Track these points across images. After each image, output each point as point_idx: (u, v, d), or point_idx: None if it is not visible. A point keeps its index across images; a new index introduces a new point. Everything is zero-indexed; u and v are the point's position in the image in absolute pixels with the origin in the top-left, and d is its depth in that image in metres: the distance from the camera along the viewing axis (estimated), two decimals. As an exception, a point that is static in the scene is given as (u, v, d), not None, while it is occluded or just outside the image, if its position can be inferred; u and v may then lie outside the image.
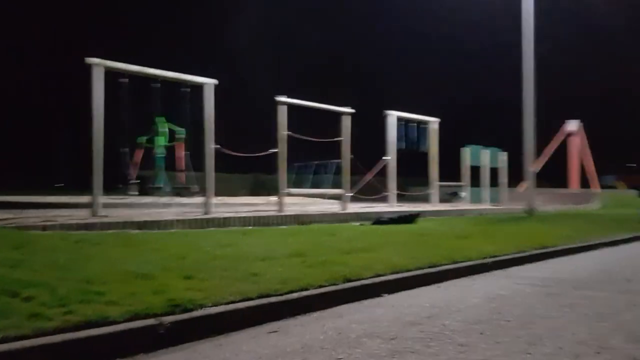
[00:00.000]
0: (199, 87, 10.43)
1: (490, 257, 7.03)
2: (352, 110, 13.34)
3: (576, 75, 51.50)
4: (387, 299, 4.95)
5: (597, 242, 9.77)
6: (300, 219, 10.60)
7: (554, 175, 37.87)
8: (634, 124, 52.17)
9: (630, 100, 51.37)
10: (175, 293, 3.89)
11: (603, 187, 41.03)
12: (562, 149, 35.21)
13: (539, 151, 32.72)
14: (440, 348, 3.41)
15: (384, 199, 16.55)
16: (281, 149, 11.56)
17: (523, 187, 20.52)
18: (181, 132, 16.38)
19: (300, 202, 14.65)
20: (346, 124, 13.32)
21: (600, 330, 3.84)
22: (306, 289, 4.55)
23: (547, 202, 22.15)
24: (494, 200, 21.55)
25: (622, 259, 8.18)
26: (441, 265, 6.19)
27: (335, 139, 13.35)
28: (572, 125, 34.24)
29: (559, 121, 35.58)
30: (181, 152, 16.58)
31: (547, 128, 33.97)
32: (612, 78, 51.76)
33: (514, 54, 15.67)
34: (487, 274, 6.48)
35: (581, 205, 24.92)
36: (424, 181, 18.79)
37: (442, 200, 19.33)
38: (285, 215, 10.76)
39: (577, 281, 5.92)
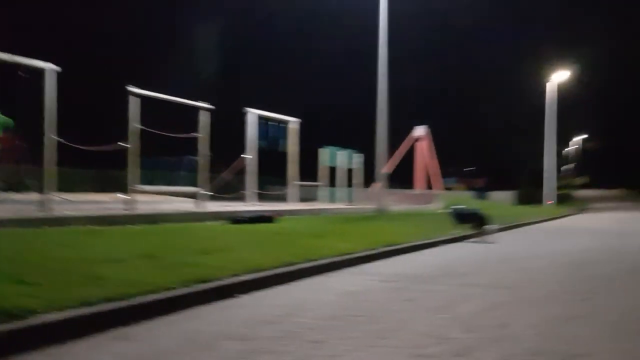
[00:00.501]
0: (40, 73, 9.47)
1: (344, 254, 7.24)
2: (211, 107, 13.03)
3: (427, 82, 55.45)
4: (243, 299, 4.87)
5: (438, 239, 10.53)
6: (153, 218, 10.07)
7: (403, 176, 40.47)
8: (476, 130, 57.58)
9: (473, 109, 56.31)
10: (4, 300, 3.45)
11: (445, 188, 44.70)
12: (411, 152, 37.71)
13: (391, 154, 34.77)
14: (295, 345, 3.41)
15: (242, 198, 16.40)
16: (132, 143, 10.92)
17: (375, 187, 21.58)
18: (8, 122, 14.66)
19: (153, 200, 13.95)
20: (205, 119, 12.98)
21: (441, 321, 4.11)
22: (157, 292, 4.31)
23: (397, 202, 23.52)
24: (349, 199, 22.40)
25: (460, 254, 8.89)
26: (297, 263, 6.24)
27: (193, 134, 12.94)
28: (420, 131, 36.77)
29: (410, 125, 38.02)
30: (14, 144, 14.87)
31: (400, 132, 36.21)
32: (459, 87, 56.53)
33: (372, 60, 16.38)
34: (341, 271, 6.67)
35: (425, 205, 26.85)
36: (284, 181, 18.97)
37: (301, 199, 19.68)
38: (136, 214, 10.16)
39: (420, 276, 6.31)
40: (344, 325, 3.98)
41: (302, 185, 19.58)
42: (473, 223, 12.18)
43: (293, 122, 18.21)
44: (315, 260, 6.62)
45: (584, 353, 3.31)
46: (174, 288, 4.48)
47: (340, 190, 22.07)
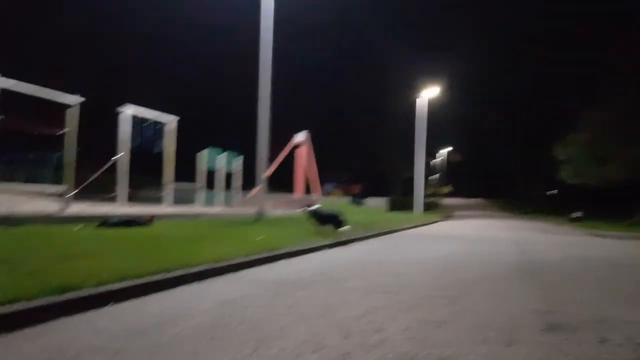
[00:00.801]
0: None
1: (223, 260, 7.08)
2: (81, 99, 12.16)
3: (309, 90, 56.46)
4: (114, 309, 4.56)
5: (318, 244, 10.67)
6: (8, 221, 9.18)
7: (283, 181, 40.76)
8: (355, 138, 59.56)
9: (353, 118, 58.05)
10: None
11: (324, 194, 45.69)
12: (292, 157, 38.07)
13: (272, 158, 34.85)
14: (168, 358, 3.23)
15: (113, 199, 15.51)
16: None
17: (255, 191, 21.50)
18: None
19: (9, 199, 12.72)
20: (73, 114, 12.09)
21: (320, 328, 4.13)
22: (12, 303, 3.88)
23: (277, 207, 23.62)
24: (228, 203, 22.09)
25: (338, 260, 9.06)
26: (174, 270, 5.99)
27: (59, 130, 12.01)
28: (301, 136, 37.25)
29: (292, 130, 38.37)
30: None
31: (281, 136, 36.41)
32: (338, 96, 58.10)
33: (255, 63, 16.23)
34: (220, 277, 6.50)
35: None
36: (160, 182, 18.23)
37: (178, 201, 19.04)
38: (-10, 216, 9.21)
39: (301, 282, 6.33)
40: (221, 334, 3.85)
41: (179, 188, 18.99)
42: (332, 224, 12.75)
43: (171, 121, 17.57)
44: (193, 266, 6.40)
45: (452, 356, 3.48)
46: (35, 298, 4.08)
47: (220, 194, 21.70)
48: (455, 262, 9.31)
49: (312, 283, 6.27)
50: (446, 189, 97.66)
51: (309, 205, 12.98)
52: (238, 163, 22.38)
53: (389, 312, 4.74)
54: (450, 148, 79.77)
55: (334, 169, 64.20)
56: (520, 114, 60.85)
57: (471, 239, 15.96)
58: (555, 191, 66.11)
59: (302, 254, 9.42)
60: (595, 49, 38.88)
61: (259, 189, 17.93)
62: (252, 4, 16.42)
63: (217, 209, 19.72)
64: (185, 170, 22.13)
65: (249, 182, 24.10)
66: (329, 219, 13.01)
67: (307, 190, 39.52)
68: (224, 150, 22.09)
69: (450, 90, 49.33)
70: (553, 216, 46.89)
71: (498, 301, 5.43)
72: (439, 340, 3.87)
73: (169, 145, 17.52)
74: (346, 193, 54.87)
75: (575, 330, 4.28)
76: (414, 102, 41.15)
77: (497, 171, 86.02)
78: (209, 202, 21.24)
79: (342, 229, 12.89)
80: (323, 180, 47.86)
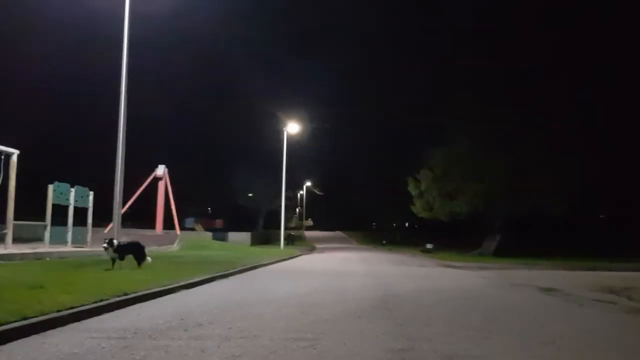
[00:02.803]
0: None
1: (68, 309, 6.44)
2: None
3: (166, 123, 54.99)
4: None
5: (177, 285, 10.17)
6: None
7: (141, 216, 38.91)
8: (218, 172, 58.76)
9: (209, 150, 57.36)
10: None
11: (183, 229, 44.31)
12: (152, 191, 36.54)
13: (129, 192, 33.15)
14: None
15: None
16: None
17: (109, 227, 20.17)
18: None
19: None
20: None
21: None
22: None
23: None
24: (79, 241, 20.47)
25: (198, 302, 8.69)
26: (6, 323, 5.31)
27: None
28: (160, 170, 35.99)
29: (150, 164, 36.97)
30: None
31: (138, 170, 34.88)
32: (198, 129, 57.21)
33: (115, 95, 15.36)
34: (62, 328, 5.89)
35: (164, 247, 26.11)
36: (1, 219, 16.40)
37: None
38: None
39: (154, 330, 5.92)
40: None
41: (21, 226, 17.24)
42: (133, 254, 12.59)
43: (11, 154, 15.93)
44: (31, 317, 5.74)
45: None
46: None
47: (70, 231, 20.02)
48: (316, 299, 9.39)
49: (166, 330, 5.90)
50: (308, 223, 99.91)
51: (107, 239, 12.38)
52: (89, 198, 20.86)
53: (247, 360, 4.59)
54: (309, 183, 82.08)
55: (194, 203, 62.70)
56: (377, 151, 64.54)
57: (331, 274, 16.32)
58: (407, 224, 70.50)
59: (159, 296, 8.92)
60: (444, 89, 42.41)
61: (113, 224, 16.82)
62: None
63: (67, 248, 18.18)
64: (32, 206, 20.20)
65: (103, 217, 22.59)
66: (129, 250, 12.64)
67: (171, 225, 38.09)
68: (73, 185, 20.52)
69: (312, 127, 51.06)
70: (408, 247, 49.88)
71: (356, 341, 5.52)
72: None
73: (11, 179, 15.84)
74: (208, 228, 53.66)
75: (427, 368, 4.45)
76: (276, 137, 41.95)
77: (356, 205, 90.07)
78: (57, 240, 19.51)
79: (145, 262, 12.72)
80: (184, 215, 46.46)
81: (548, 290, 12.09)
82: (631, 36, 34.39)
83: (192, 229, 51.78)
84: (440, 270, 20.77)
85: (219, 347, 5.07)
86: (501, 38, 37.25)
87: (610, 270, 21.91)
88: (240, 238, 46.91)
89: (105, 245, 12.11)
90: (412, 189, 42.37)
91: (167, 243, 28.11)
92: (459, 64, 40.44)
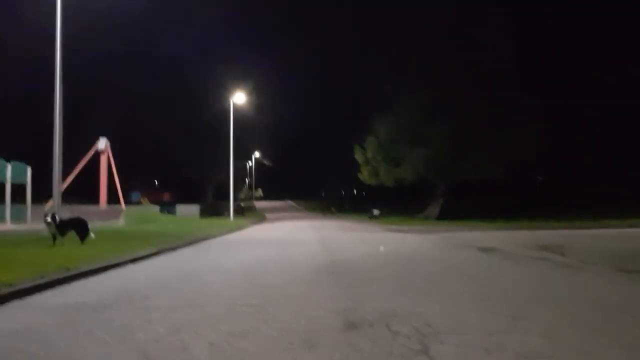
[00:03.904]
0: None
1: (6, 286, 6.29)
2: None
3: (106, 93, 53.12)
4: None
5: (123, 259, 10.05)
6: None
7: (84, 192, 37.77)
8: (163, 143, 57.40)
9: (160, 122, 55.83)
10: None
11: (129, 203, 43.38)
12: (93, 166, 35.48)
13: (70, 169, 32.09)
14: None
15: None
16: None
17: (50, 204, 19.57)
18: None
19: None
20: None
21: (120, 354, 3.87)
22: None
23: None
24: (18, 218, 19.80)
25: (145, 275, 8.63)
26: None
27: None
28: (101, 144, 34.88)
29: (91, 137, 35.80)
30: None
31: (80, 144, 33.75)
32: (139, 102, 55.49)
33: (50, 65, 14.64)
34: (2, 307, 5.76)
35: (109, 222, 25.54)
36: None
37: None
38: None
39: (98, 304, 5.86)
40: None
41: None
42: (76, 230, 12.41)
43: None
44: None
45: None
46: None
47: (9, 208, 19.32)
48: (264, 267, 9.50)
49: (112, 304, 5.85)
50: (257, 193, 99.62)
51: (48, 214, 12.12)
52: (27, 175, 20.10)
53: (193, 328, 4.62)
54: (258, 154, 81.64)
55: (139, 176, 61.28)
56: (323, 119, 64.60)
57: (280, 242, 16.47)
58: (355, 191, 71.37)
59: (104, 271, 8.79)
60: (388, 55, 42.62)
61: (54, 201, 16.32)
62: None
63: (5, 227, 17.55)
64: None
65: (44, 194, 21.85)
66: (71, 225, 12.45)
67: (115, 200, 37.21)
68: (12, 160, 19.71)
69: (259, 97, 50.47)
70: (356, 214, 50.66)
71: (302, 305, 5.65)
72: (244, 352, 3.88)
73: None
74: (155, 201, 52.66)
75: (371, 326, 4.61)
76: (223, 107, 41.26)
77: (305, 174, 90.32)
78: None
79: (88, 237, 12.56)
80: (129, 189, 45.43)
81: (487, 250, 12.62)
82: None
83: (139, 203, 50.75)
84: (386, 234, 21.27)
85: (165, 317, 5.09)
86: (443, 6, 37.52)
87: (547, 229, 23.01)
88: (189, 211, 46.30)
89: (48, 220, 11.77)
90: (358, 157, 42.87)
91: (111, 218, 27.48)
92: (403, 31, 40.73)
